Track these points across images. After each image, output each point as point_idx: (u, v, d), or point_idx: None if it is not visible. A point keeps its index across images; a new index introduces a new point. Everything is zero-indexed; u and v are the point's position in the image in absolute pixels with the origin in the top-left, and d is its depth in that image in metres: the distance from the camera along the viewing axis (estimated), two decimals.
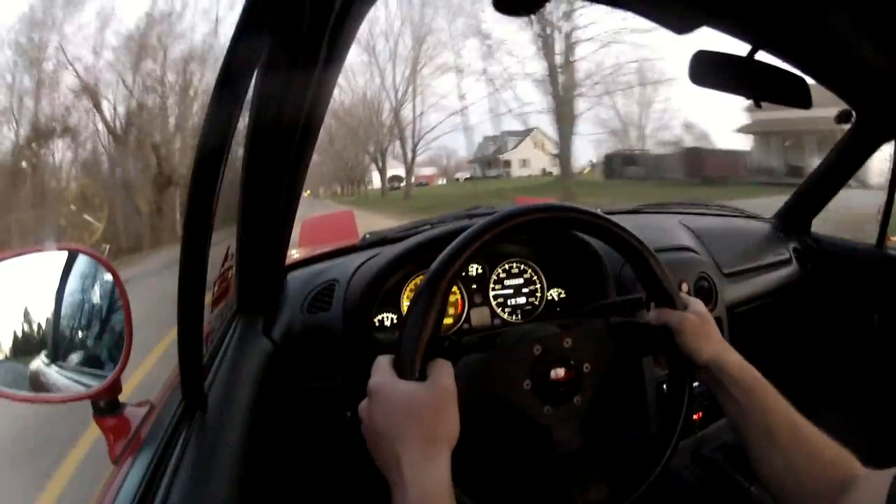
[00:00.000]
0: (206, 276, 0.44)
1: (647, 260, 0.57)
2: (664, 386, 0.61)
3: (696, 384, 0.58)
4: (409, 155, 22.87)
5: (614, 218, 0.56)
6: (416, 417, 0.42)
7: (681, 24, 0.68)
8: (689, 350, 0.56)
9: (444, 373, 0.45)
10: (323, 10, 0.42)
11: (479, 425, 0.50)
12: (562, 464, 0.54)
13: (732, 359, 0.55)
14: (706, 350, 0.55)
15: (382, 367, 0.46)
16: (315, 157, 0.64)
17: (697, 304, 0.59)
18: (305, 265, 0.89)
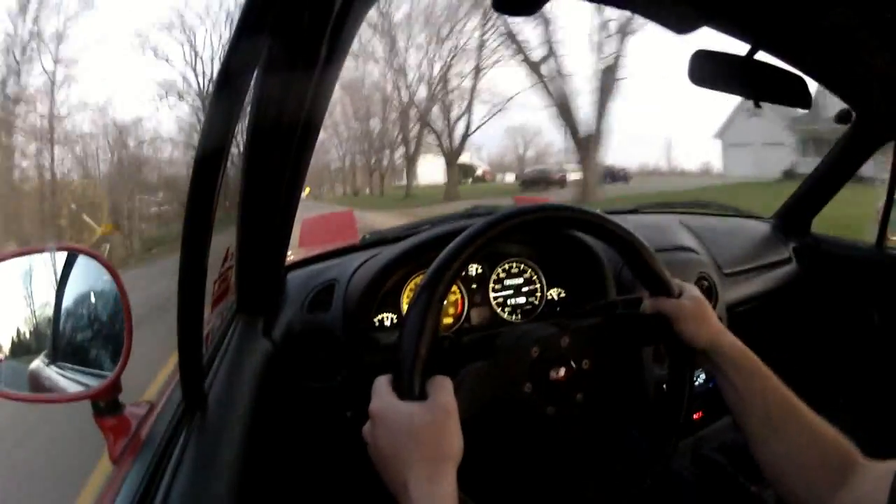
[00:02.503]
0: (205, 276, 0.44)
1: (637, 250, 0.57)
2: (664, 385, 0.62)
3: (696, 383, 0.58)
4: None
5: (613, 218, 0.56)
6: (420, 440, 0.42)
7: (680, 24, 0.68)
8: (687, 336, 0.55)
9: (443, 390, 0.45)
10: (323, 11, 0.42)
11: (484, 432, 0.50)
12: (568, 461, 0.54)
13: (730, 342, 0.55)
14: (704, 335, 0.55)
15: (382, 389, 0.46)
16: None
17: (692, 290, 0.58)
18: (305, 265, 0.89)
